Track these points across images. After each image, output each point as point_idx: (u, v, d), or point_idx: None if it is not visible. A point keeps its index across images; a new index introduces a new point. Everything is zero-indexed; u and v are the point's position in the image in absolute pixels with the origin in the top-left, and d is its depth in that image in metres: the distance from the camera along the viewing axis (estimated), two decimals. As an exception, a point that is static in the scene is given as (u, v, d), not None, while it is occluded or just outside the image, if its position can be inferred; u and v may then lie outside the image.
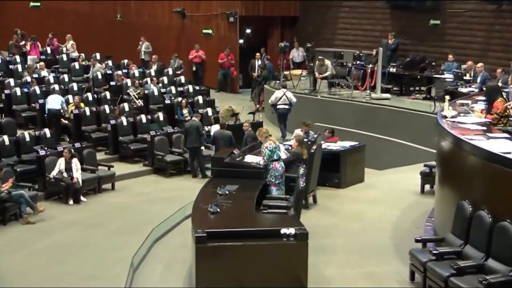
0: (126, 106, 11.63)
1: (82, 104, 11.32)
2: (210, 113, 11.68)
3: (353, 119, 11.93)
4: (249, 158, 6.97)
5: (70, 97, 11.52)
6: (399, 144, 11.03)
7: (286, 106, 12.82)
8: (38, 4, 18.10)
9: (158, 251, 6.53)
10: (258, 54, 14.85)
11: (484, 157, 4.93)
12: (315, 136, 8.72)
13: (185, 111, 11.84)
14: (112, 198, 8.95)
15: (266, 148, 6.67)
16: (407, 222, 6.97)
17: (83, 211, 8.24)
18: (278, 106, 12.94)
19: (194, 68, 15.72)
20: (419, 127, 10.58)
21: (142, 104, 12.48)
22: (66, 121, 10.97)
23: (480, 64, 11.06)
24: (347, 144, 8.82)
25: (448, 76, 11.58)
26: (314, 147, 7.58)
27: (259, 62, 14.75)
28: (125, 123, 10.85)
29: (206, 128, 10.78)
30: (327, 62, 12.95)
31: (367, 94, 12.19)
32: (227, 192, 6.00)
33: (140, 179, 9.96)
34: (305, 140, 8.19)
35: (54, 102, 10.95)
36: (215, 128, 10.20)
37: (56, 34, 15.84)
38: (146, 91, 12.62)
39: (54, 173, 8.50)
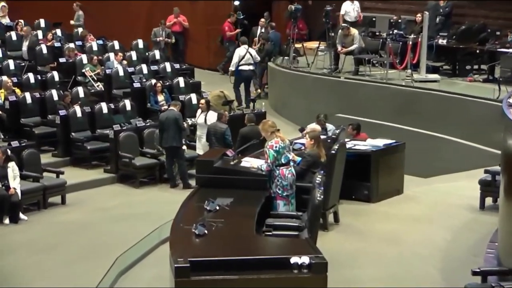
0: (80, 91, 11.70)
1: (17, 90, 11.31)
2: (194, 101, 11.77)
3: (388, 109, 11.95)
4: (248, 162, 7.03)
5: (4, 78, 11.57)
6: (450, 142, 11.01)
7: (251, 67, 13.13)
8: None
9: (125, 286, 6.58)
10: (262, 20, 14.90)
11: None
12: (337, 131, 8.73)
13: (160, 97, 11.95)
14: (63, 215, 9.02)
15: (271, 148, 6.67)
16: (461, 248, 7.00)
17: (23, 233, 8.31)
18: (242, 67, 13.19)
19: (173, 40, 15.82)
20: (479, 120, 10.60)
21: (103, 89, 12.59)
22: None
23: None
24: (380, 142, 8.82)
25: (518, 51, 11.75)
26: (336, 147, 7.50)
27: (262, 30, 14.84)
28: (79, 114, 10.92)
29: (190, 121, 10.85)
30: (354, 31, 12.94)
31: (407, 75, 12.22)
32: (217, 207, 6.04)
33: (100, 190, 10.07)
34: (323, 137, 8.22)
35: (-21, 86, 11.23)
36: (207, 119, 10.30)
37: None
38: (107, 71, 12.70)
39: (-18, 181, 8.78)
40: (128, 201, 9.59)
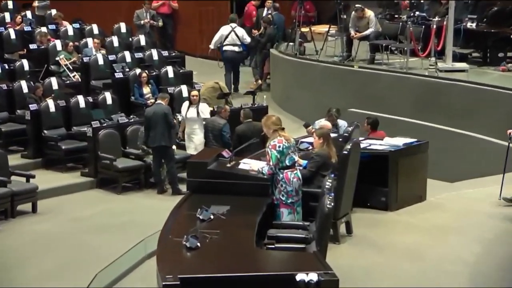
0: (54, 82, 11.74)
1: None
2: (185, 93, 11.82)
3: (409, 102, 11.98)
4: (247, 164, 7.05)
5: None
6: (480, 141, 11.00)
7: (236, 48, 13.24)
8: None
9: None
10: (269, 1, 14.92)
11: None
12: (349, 129, 8.71)
13: (146, 90, 11.99)
14: (34, 225, 9.04)
15: (274, 148, 6.69)
16: (491, 264, 6.99)
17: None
18: (225, 48, 13.35)
19: (160, 23, 15.88)
20: (512, 115, 10.76)
21: (79, 80, 12.62)
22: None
23: None
24: (399, 141, 8.83)
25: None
26: (348, 146, 7.47)
27: (264, 12, 14.88)
28: (52, 108, 10.96)
29: (180, 117, 10.87)
30: (369, 13, 12.99)
31: (431, 63, 12.25)
32: (211, 216, 6.06)
33: (76, 197, 10.10)
34: (334, 135, 8.24)
35: None
36: (200, 112, 10.37)
37: None
38: (85, 59, 12.72)
39: None
40: (109, 209, 9.62)
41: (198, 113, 10.33)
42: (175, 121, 10.28)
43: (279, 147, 6.68)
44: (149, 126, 10.00)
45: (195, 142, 10.39)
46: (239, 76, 14.52)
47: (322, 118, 9.52)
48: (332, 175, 6.72)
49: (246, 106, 11.20)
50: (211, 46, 13.69)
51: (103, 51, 13.10)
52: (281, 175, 6.74)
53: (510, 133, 8.42)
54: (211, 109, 10.91)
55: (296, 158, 6.91)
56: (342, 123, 9.41)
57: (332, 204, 5.91)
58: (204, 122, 10.37)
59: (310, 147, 8.06)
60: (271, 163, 6.68)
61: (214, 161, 7.03)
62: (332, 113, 9.35)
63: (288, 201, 6.76)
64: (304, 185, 7.01)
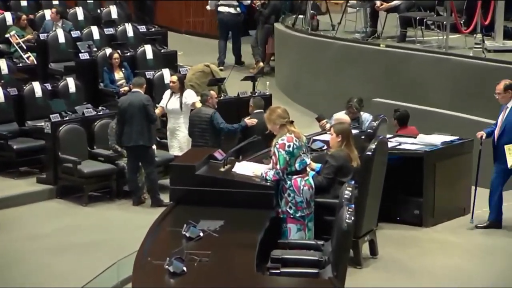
0: (3, 65, 11.79)
1: None
2: (167, 79, 11.83)
3: (449, 90, 12.00)
4: (246, 168, 7.05)
5: None
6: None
7: (232, 10, 13.41)
8: None
9: None
10: None
11: None
12: (374, 124, 8.74)
13: (118, 74, 12.02)
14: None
15: (282, 148, 6.68)
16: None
17: None
18: (220, 8, 13.56)
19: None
20: None
21: (35, 62, 12.65)
22: None
23: None
24: (437, 139, 8.83)
25: None
26: (373, 146, 7.48)
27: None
28: (1, 98, 11.01)
29: (159, 112, 10.83)
30: (399, -22, 13.16)
31: (476, 41, 12.30)
32: (201, 234, 6.11)
33: (32, 209, 10.13)
34: (355, 131, 8.23)
35: None
36: (184, 103, 10.38)
37: None
38: (42, 36, 12.77)
39: None
40: (73, 225, 9.62)
41: (181, 104, 10.32)
42: (155, 114, 10.27)
43: (289, 146, 6.69)
44: (123, 120, 10.01)
45: (179, 140, 10.39)
46: (240, 45, 14.44)
47: (340, 110, 9.52)
48: (353, 182, 6.71)
49: (245, 95, 11.20)
50: (208, 7, 13.62)
51: (66, 24, 13.12)
52: (289, 182, 6.74)
53: (482, 137, 8.48)
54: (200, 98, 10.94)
55: (308, 161, 6.92)
56: (365, 116, 9.43)
57: (353, 218, 5.91)
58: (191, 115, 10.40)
59: (325, 147, 8.06)
60: (278, 167, 6.68)
61: (204, 164, 7.02)
62: (352, 104, 9.34)
63: (297, 215, 6.76)
64: (317, 194, 7.01)
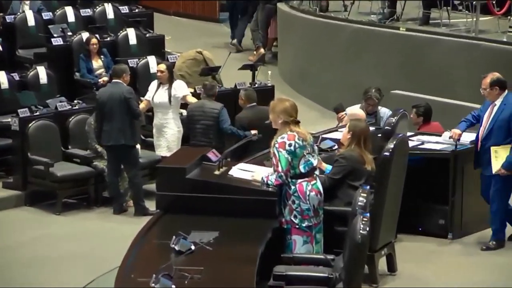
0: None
1: None
2: (153, 67, 11.85)
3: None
4: (244, 171, 7.07)
5: None
6: None
7: None
8: None
9: None
10: None
11: None
12: (393, 120, 8.76)
13: (97, 63, 12.03)
14: None
15: (282, 147, 6.71)
16: None
17: None
18: None
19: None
20: None
21: (0, 49, 12.54)
22: None
23: None
24: (465, 138, 8.84)
25: None
26: (391, 145, 7.53)
27: None
28: (-41, 90, 11.11)
29: (144, 106, 10.84)
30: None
31: (511, 24, 12.34)
32: (192, 247, 6.11)
33: (-2, 217, 10.20)
34: (370, 127, 8.21)
35: None
36: (173, 96, 10.36)
37: None
38: (8, 19, 12.74)
39: None
40: (45, 236, 9.59)
41: (170, 97, 10.29)
42: (139, 108, 10.24)
43: (290, 145, 6.69)
44: (102, 116, 10.00)
45: (168, 139, 10.36)
46: (237, 24, 14.46)
47: (353, 104, 9.54)
48: (367, 187, 6.73)
49: (243, 87, 11.17)
50: None
51: (34, 3, 13.08)
52: (293, 187, 6.75)
53: (457, 136, 8.51)
54: (192, 90, 10.88)
55: (315, 162, 6.92)
56: (383, 111, 9.47)
57: (368, 229, 5.92)
58: (184, 110, 10.34)
59: (336, 146, 8.07)
60: (280, 169, 6.69)
61: (196, 166, 7.03)
62: (372, 95, 9.36)
63: (304, 225, 6.77)
64: (326, 201, 7.02)
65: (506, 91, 8.49)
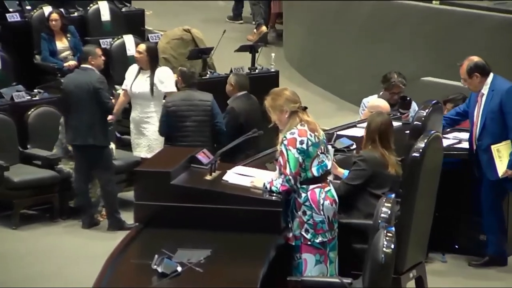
0: None
1: None
2: (131, 49, 11.89)
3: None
4: (240, 175, 7.07)
5: None
6: None
7: None
8: None
9: None
10: None
11: None
12: (423, 113, 8.70)
13: (61, 43, 12.06)
14: None
15: (292, 145, 6.70)
16: None
17: None
18: None
19: None
20: None
21: None
22: None
23: None
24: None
25: None
26: (421, 144, 7.49)
27: None
28: None
29: (121, 92, 10.88)
30: None
31: None
32: (179, 268, 6.12)
33: None
34: (396, 124, 8.27)
35: None
36: (157, 84, 10.37)
37: None
38: None
39: None
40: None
41: (152, 86, 10.29)
42: (113, 100, 10.27)
43: (302, 142, 6.70)
44: (68, 108, 10.03)
45: (149, 137, 10.33)
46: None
47: (373, 94, 9.63)
48: (392, 196, 6.70)
49: (240, 72, 11.19)
50: None
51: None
52: (304, 195, 6.75)
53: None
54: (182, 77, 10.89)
55: (330, 164, 6.93)
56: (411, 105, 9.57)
57: (393, 246, 5.94)
58: (169, 102, 10.28)
59: (354, 146, 8.10)
60: (288, 172, 6.68)
61: (183, 169, 7.04)
62: (395, 82, 9.41)
63: (317, 241, 6.78)
64: (342, 212, 7.05)
65: (491, 75, 8.56)
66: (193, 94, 9.96)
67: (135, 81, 10.38)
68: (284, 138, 6.72)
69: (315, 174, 6.76)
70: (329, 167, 6.91)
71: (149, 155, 9.85)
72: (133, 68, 10.49)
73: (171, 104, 9.96)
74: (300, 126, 6.73)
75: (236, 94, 10.07)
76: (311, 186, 6.76)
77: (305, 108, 6.82)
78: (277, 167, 6.80)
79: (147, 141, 10.34)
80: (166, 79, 10.30)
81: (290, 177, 6.68)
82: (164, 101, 10.24)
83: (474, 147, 8.50)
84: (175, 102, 9.98)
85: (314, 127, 6.79)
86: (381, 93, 9.62)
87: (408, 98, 9.48)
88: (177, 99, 10.00)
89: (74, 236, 10.04)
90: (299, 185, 6.74)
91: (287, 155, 6.68)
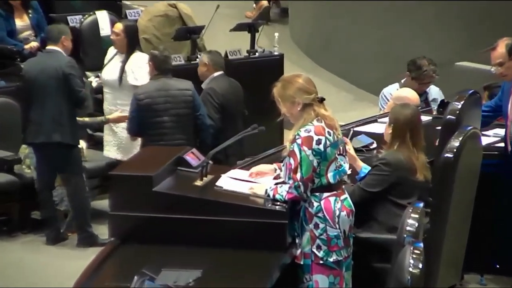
0: None
1: None
2: (106, 29, 11.98)
3: None
4: (237, 180, 7.09)
5: None
6: None
7: None
8: None
9: None
10: None
11: None
12: (458, 105, 8.74)
13: (21, 21, 12.08)
14: None
15: (306, 145, 6.70)
16: None
17: None
18: None
19: None
20: None
21: None
22: None
23: None
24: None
25: None
26: (456, 143, 7.59)
27: None
28: None
29: (95, 80, 10.86)
30: None
31: None
32: (163, 293, 6.07)
33: None
34: (426, 119, 8.37)
35: None
36: (135, 72, 10.41)
37: None
38: None
39: None
40: None
41: (122, 73, 10.31)
42: (84, 89, 10.20)
43: (319, 142, 6.69)
44: (29, 99, 10.04)
45: (119, 135, 10.36)
46: None
47: (396, 82, 9.70)
48: (420, 205, 6.74)
49: (237, 57, 11.19)
50: None
51: None
52: (316, 204, 6.73)
53: None
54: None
55: (347, 167, 6.93)
56: (435, 92, 9.72)
57: (421, 266, 5.89)
58: (142, 94, 10.23)
59: (375, 145, 8.16)
60: (298, 177, 6.68)
61: (168, 174, 7.05)
62: (427, 70, 9.50)
63: (330, 259, 6.77)
64: (359, 224, 7.07)
65: None
66: (169, 83, 9.85)
67: (107, 65, 10.42)
68: (297, 136, 6.67)
69: (331, 180, 6.73)
70: (348, 172, 6.91)
71: (119, 156, 9.96)
72: (111, 51, 10.54)
73: (144, 96, 9.82)
74: (317, 122, 6.69)
75: (212, 74, 10.04)
76: (325, 194, 6.73)
77: (322, 100, 6.77)
78: (284, 170, 6.78)
79: (118, 140, 10.39)
80: (138, 69, 10.31)
81: (300, 183, 6.63)
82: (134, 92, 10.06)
83: (510, 148, 8.50)
84: (149, 93, 9.84)
85: (332, 123, 6.75)
86: (403, 81, 9.67)
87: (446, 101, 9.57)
88: (151, 89, 9.85)
89: (37, 253, 10.05)
90: (309, 193, 6.71)
91: (300, 156, 6.64)
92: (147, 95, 9.82)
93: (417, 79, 9.39)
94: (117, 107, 10.30)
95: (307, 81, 6.78)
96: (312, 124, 6.65)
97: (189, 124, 9.82)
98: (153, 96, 9.80)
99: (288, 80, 6.86)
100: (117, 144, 10.28)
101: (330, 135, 6.68)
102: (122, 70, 10.26)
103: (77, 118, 10.11)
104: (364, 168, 7.40)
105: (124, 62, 10.30)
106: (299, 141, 6.63)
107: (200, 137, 9.82)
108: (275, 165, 7.11)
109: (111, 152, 10.28)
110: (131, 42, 10.44)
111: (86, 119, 10.40)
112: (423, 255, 5.93)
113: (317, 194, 6.71)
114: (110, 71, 10.35)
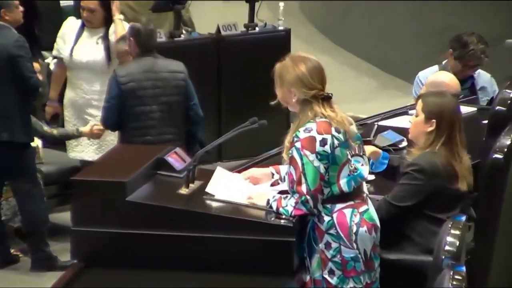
0: None
1: None
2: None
3: None
4: (232, 187, 7.08)
5: None
6: None
7: None
8: None
9: None
10: None
11: None
12: (509, 94, 8.74)
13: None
14: None
15: (307, 149, 6.75)
16: None
17: None
18: None
19: None
20: None
21: None
22: None
23: None
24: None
25: None
26: (506, 141, 7.65)
27: None
28: None
29: (52, 62, 10.88)
30: None
31: None
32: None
33: None
34: (466, 110, 8.49)
35: None
36: (114, 49, 10.46)
37: None
38: None
39: None
40: None
41: (109, 50, 10.38)
42: (39, 75, 10.23)
43: (324, 143, 6.72)
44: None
45: (109, 131, 10.37)
46: None
47: (432, 65, 9.78)
48: (462, 219, 6.76)
49: (231, 33, 11.23)
50: None
51: None
52: (327, 219, 6.78)
53: None
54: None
55: (366, 172, 6.96)
56: (484, 79, 9.82)
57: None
58: (124, 77, 10.22)
59: (405, 143, 8.22)
60: (304, 189, 6.70)
61: (146, 179, 7.09)
62: (474, 51, 9.61)
63: (348, 287, 6.80)
64: (387, 245, 7.11)
65: None
66: (158, 63, 9.87)
67: (77, 44, 10.44)
68: (295, 138, 6.68)
69: (345, 189, 6.76)
70: (365, 177, 6.92)
71: (96, 157, 9.99)
72: (71, 24, 10.56)
73: (128, 79, 9.84)
74: (319, 118, 6.69)
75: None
76: (338, 206, 6.76)
77: (328, 98, 6.77)
78: (286, 181, 6.81)
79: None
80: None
81: (308, 197, 6.65)
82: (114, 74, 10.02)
83: None
84: (133, 75, 9.86)
85: (339, 119, 6.76)
86: (444, 62, 9.71)
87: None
88: (135, 70, 9.86)
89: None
90: (321, 207, 6.73)
91: (302, 164, 6.66)
92: (131, 78, 9.85)
93: (460, 60, 9.42)
94: (96, 95, 10.40)
95: (313, 71, 6.78)
96: (313, 121, 6.65)
97: (180, 115, 9.82)
98: (138, 79, 9.83)
99: (293, 61, 6.87)
100: (97, 143, 10.28)
101: (339, 133, 6.69)
102: (108, 48, 10.27)
103: (45, 129, 10.17)
104: (381, 154, 7.49)
105: (107, 39, 10.33)
106: (298, 144, 6.66)
107: (190, 130, 9.88)
108: (271, 169, 7.14)
109: (86, 153, 10.35)
110: (109, 13, 10.49)
111: (54, 131, 10.39)
112: (466, 281, 5.92)
113: (328, 206, 6.74)
114: (87, 51, 10.47)
